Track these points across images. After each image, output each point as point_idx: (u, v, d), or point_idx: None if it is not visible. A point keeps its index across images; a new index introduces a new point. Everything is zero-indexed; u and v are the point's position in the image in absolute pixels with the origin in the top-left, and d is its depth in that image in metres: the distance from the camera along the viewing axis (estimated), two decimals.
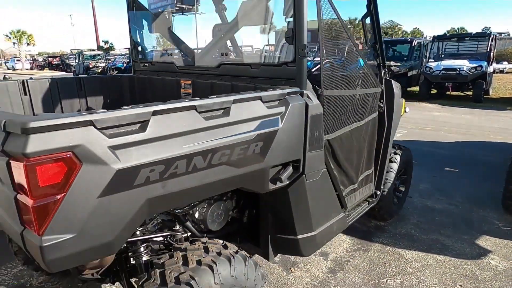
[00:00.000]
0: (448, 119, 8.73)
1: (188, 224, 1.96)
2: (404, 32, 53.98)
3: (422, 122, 8.35)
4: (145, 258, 1.64)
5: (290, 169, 1.78)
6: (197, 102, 1.26)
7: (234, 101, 1.40)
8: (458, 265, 2.69)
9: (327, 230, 2.21)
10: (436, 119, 8.67)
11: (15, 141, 0.90)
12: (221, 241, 1.71)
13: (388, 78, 2.72)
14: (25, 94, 2.30)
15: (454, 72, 11.03)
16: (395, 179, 3.21)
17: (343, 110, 2.14)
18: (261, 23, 2.26)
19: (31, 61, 34.14)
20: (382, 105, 2.69)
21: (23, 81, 2.31)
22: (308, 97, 1.78)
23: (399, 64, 12.40)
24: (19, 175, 0.91)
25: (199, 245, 1.60)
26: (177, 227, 1.81)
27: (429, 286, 2.45)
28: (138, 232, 1.73)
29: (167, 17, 2.56)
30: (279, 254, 2.44)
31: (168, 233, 1.76)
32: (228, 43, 2.51)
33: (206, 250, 1.56)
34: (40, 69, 32.62)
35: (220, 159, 1.33)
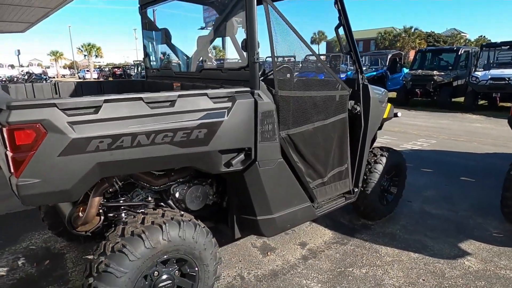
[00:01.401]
0: (488, 130, 8.29)
1: (170, 202, 2.38)
2: (468, 41, 50.78)
3: (458, 132, 8.06)
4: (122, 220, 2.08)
5: (241, 156, 2.12)
6: (144, 95, 1.68)
7: (180, 96, 1.79)
8: (429, 262, 2.78)
9: (289, 216, 2.49)
10: (474, 131, 8.29)
11: (3, 114, 1.38)
12: (179, 211, 2.09)
13: (365, 83, 2.93)
14: (56, 93, 2.90)
15: (503, 82, 10.39)
16: (382, 180, 3.36)
17: (303, 109, 2.43)
18: (230, 35, 2.63)
19: (98, 71, 37.82)
20: (358, 107, 2.91)
21: (54, 83, 2.92)
22: (259, 96, 2.11)
23: (442, 73, 11.95)
24: (5, 137, 1.39)
25: (158, 212, 2.00)
26: (150, 199, 2.23)
27: (391, 278, 2.60)
28: (122, 202, 2.20)
29: (169, 31, 3.03)
30: (266, 242, 2.76)
31: (140, 203, 2.19)
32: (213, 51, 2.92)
33: (163, 215, 1.95)
34: (105, 79, 36.03)
35: (163, 139, 1.73)
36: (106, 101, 1.56)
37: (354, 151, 2.99)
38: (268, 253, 2.94)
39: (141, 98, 1.66)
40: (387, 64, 14.31)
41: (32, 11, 12.12)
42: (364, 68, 14.68)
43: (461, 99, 12.06)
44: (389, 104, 3.38)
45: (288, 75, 2.44)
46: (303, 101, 2.43)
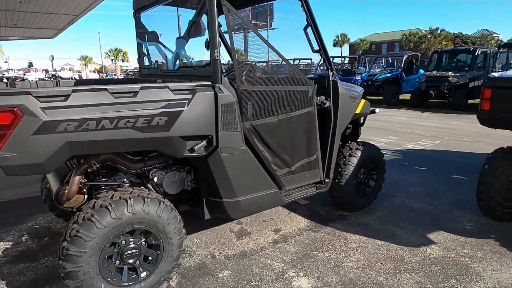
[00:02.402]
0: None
1: (149, 185, 2.68)
2: (500, 42, 48.87)
3: (464, 133, 7.98)
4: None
5: (203, 143, 2.38)
6: (109, 86, 1.98)
7: (142, 88, 2.08)
8: (392, 249, 2.93)
9: (254, 200, 2.72)
10: (483, 131, 8.12)
11: None
12: (147, 190, 2.38)
13: (335, 80, 3.13)
14: None
15: None
16: (357, 173, 3.53)
17: (266, 102, 2.66)
18: (199, 35, 2.91)
19: (125, 75, 39.45)
20: (328, 103, 3.11)
21: (57, 80, 3.30)
22: (220, 89, 2.37)
23: (458, 74, 11.76)
24: None
25: (128, 189, 2.29)
26: (126, 180, 2.54)
27: (351, 261, 2.77)
28: (100, 182, 2.51)
29: (158, 33, 3.35)
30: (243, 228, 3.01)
31: (116, 183, 2.49)
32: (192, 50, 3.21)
33: (131, 192, 2.24)
34: None
35: (126, 124, 2.02)
36: (74, 90, 1.87)
37: (325, 143, 3.19)
38: (243, 237, 3.18)
39: (106, 89, 1.96)
40: (402, 65, 14.18)
41: (59, 18, 12.94)
42: (378, 70, 14.62)
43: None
44: (363, 101, 3.54)
45: (251, 72, 2.69)
46: (266, 95, 2.67)
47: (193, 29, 2.79)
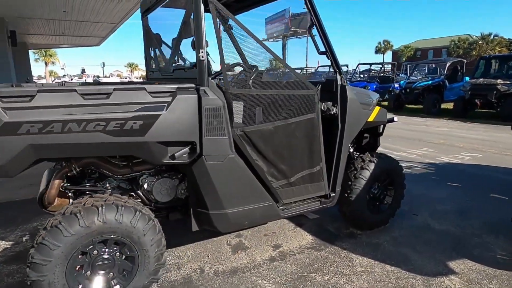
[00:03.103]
0: None
1: (139, 192, 2.57)
2: None
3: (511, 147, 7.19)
4: None
5: (185, 149, 2.22)
6: (79, 88, 1.88)
7: (115, 89, 1.96)
8: (402, 277, 2.57)
9: (245, 213, 2.51)
10: None
11: None
12: (126, 197, 2.25)
13: (343, 84, 2.84)
14: None
15: None
16: (370, 187, 3.20)
17: (258, 107, 2.45)
18: (190, 36, 2.75)
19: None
20: (334, 109, 2.83)
21: (63, 82, 3.32)
22: (204, 92, 2.20)
23: (508, 82, 10.75)
24: None
25: (104, 196, 2.18)
26: (113, 185, 2.43)
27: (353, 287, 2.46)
28: (87, 186, 2.43)
29: (161, 37, 3.26)
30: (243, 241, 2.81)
31: (97, 189, 2.39)
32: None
33: (106, 199, 2.12)
34: None
35: (95, 127, 1.90)
36: (40, 91, 1.78)
37: (331, 153, 2.91)
38: (239, 251, 2.96)
39: (75, 90, 1.86)
40: (445, 72, 13.26)
41: (101, 26, 13.60)
42: (419, 77, 13.86)
43: None
44: (377, 108, 3.21)
45: (242, 74, 2.49)
46: (259, 99, 2.46)
47: (184, 30, 2.65)
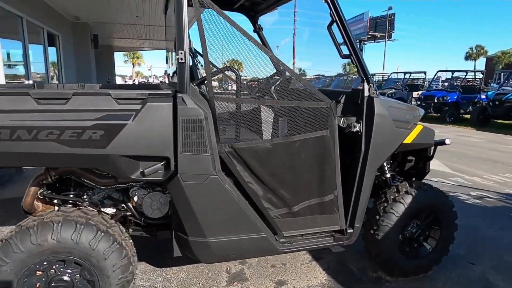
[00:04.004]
0: None
1: (130, 205, 2.36)
2: None
3: None
4: None
5: (157, 166, 1.92)
6: (32, 90, 1.69)
7: (74, 94, 1.74)
8: None
9: (231, 244, 2.13)
10: None
11: None
12: (94, 213, 2.02)
13: (371, 96, 2.29)
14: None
15: None
16: (405, 225, 2.56)
17: (255, 120, 2.05)
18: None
19: None
20: (357, 125, 2.30)
21: (83, 84, 3.30)
22: (182, 100, 1.88)
23: None
24: None
25: (69, 209, 1.98)
26: (85, 197, 2.24)
27: None
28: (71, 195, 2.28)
29: None
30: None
31: (74, 199, 2.21)
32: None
33: (68, 214, 1.92)
34: None
35: (48, 136, 1.69)
36: None
37: (352, 180, 2.37)
38: (235, 283, 2.58)
39: (28, 93, 1.68)
40: None
41: (172, 30, 14.25)
42: None
43: None
44: (419, 126, 2.54)
45: (233, 80, 2.11)
46: (254, 111, 2.06)
47: (169, 30, 2.37)
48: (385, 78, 19.73)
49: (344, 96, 2.47)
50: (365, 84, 2.29)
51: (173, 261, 2.77)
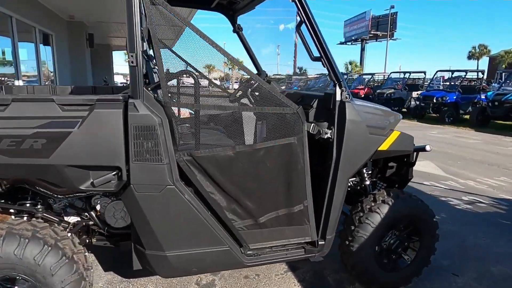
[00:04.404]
0: None
1: (92, 213, 2.25)
2: None
3: None
4: None
5: (108, 176, 1.80)
6: None
7: (14, 100, 1.63)
8: None
9: (191, 258, 2.01)
10: None
11: None
12: (44, 225, 1.91)
13: (343, 100, 2.16)
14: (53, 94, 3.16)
15: None
16: (381, 236, 2.44)
17: (213, 126, 1.93)
18: None
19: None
20: (329, 132, 2.17)
21: (54, 86, 3.18)
22: (134, 106, 1.76)
23: None
24: None
25: (18, 222, 1.87)
26: (39, 207, 2.12)
27: None
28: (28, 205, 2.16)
29: None
30: None
31: (26, 209, 2.10)
32: None
33: (12, 226, 1.81)
34: None
35: None
36: None
37: (323, 190, 2.25)
38: None
39: None
40: None
41: (167, 29, 14.13)
42: None
43: None
44: (395, 132, 2.40)
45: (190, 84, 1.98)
46: (215, 117, 1.93)
47: None
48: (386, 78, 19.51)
49: (317, 100, 2.35)
50: (337, 88, 2.16)
51: (142, 271, 2.66)
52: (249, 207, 2.07)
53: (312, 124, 2.14)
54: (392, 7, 39.87)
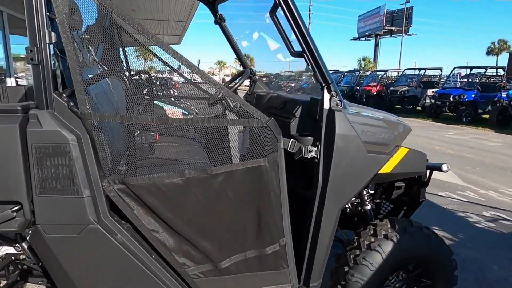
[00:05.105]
0: None
1: (24, 245, 1.80)
2: None
3: None
4: None
5: (5, 213, 1.33)
6: None
7: None
8: None
9: None
10: None
11: None
12: None
13: (332, 109, 1.64)
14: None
15: None
16: (383, 280, 1.91)
17: (153, 144, 1.44)
18: None
19: None
20: (313, 150, 1.66)
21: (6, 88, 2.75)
22: (37, 120, 1.29)
23: None
24: None
25: None
26: None
27: None
28: None
29: None
30: None
31: None
32: None
33: None
34: None
35: None
36: None
37: (307, 225, 1.74)
38: None
39: None
40: None
41: (173, 25, 13.75)
42: None
43: None
44: (402, 150, 1.86)
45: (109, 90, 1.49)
46: (157, 132, 1.45)
47: None
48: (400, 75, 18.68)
49: (300, 107, 1.83)
50: (325, 92, 1.64)
51: None
52: (206, 249, 1.58)
53: (291, 140, 1.63)
54: (408, 1, 38.54)
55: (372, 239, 1.88)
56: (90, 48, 1.48)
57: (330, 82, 1.63)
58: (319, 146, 1.66)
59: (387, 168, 1.79)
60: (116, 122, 1.49)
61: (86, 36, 1.40)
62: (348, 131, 1.63)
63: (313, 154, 1.65)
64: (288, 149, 1.62)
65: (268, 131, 1.51)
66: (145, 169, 1.50)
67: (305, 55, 1.61)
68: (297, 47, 1.65)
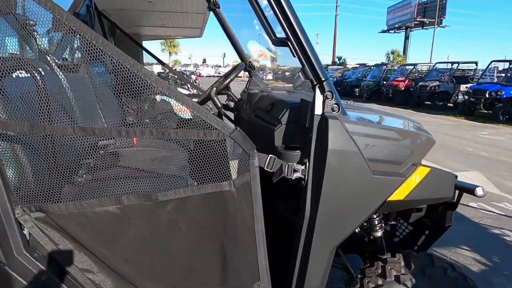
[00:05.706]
0: None
1: None
2: None
3: None
4: None
5: None
6: None
7: None
8: None
9: None
10: None
11: None
12: None
13: (325, 115, 1.23)
14: None
15: None
16: None
17: (79, 162, 1.09)
18: None
19: None
20: (300, 169, 1.25)
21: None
22: None
23: None
24: None
25: None
26: None
27: None
28: None
29: None
30: None
31: None
32: None
33: None
34: None
35: None
36: None
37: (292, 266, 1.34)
38: None
39: None
40: None
41: (192, 17, 13.51)
42: None
43: None
44: (422, 169, 1.40)
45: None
46: (84, 147, 1.10)
47: None
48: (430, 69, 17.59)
49: (288, 112, 1.42)
50: (317, 92, 1.23)
51: None
52: None
53: (269, 157, 1.23)
54: None
55: (380, 282, 1.46)
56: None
57: (323, 79, 1.22)
58: (307, 164, 1.25)
59: (400, 194, 1.35)
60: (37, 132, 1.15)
61: None
62: (345, 145, 1.21)
63: (298, 174, 1.25)
64: (265, 168, 1.23)
65: (234, 145, 1.12)
66: (76, 192, 1.15)
67: (289, 43, 1.20)
68: (280, 34, 1.23)
